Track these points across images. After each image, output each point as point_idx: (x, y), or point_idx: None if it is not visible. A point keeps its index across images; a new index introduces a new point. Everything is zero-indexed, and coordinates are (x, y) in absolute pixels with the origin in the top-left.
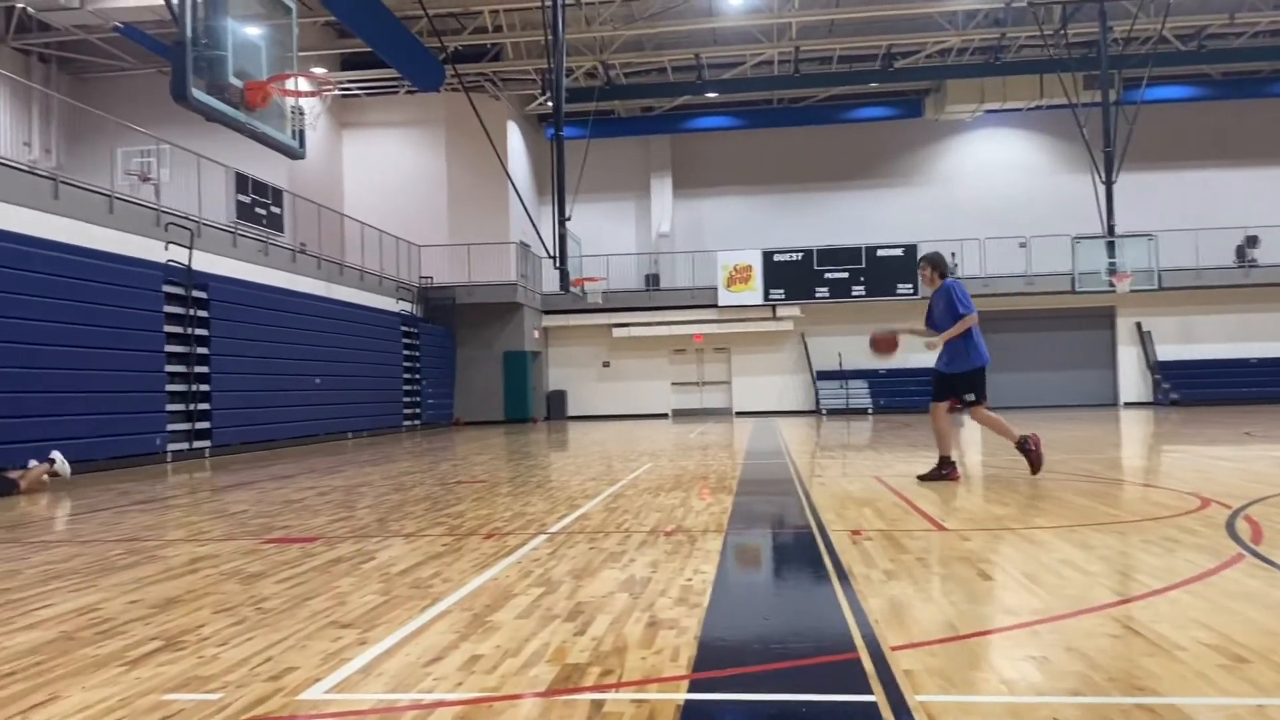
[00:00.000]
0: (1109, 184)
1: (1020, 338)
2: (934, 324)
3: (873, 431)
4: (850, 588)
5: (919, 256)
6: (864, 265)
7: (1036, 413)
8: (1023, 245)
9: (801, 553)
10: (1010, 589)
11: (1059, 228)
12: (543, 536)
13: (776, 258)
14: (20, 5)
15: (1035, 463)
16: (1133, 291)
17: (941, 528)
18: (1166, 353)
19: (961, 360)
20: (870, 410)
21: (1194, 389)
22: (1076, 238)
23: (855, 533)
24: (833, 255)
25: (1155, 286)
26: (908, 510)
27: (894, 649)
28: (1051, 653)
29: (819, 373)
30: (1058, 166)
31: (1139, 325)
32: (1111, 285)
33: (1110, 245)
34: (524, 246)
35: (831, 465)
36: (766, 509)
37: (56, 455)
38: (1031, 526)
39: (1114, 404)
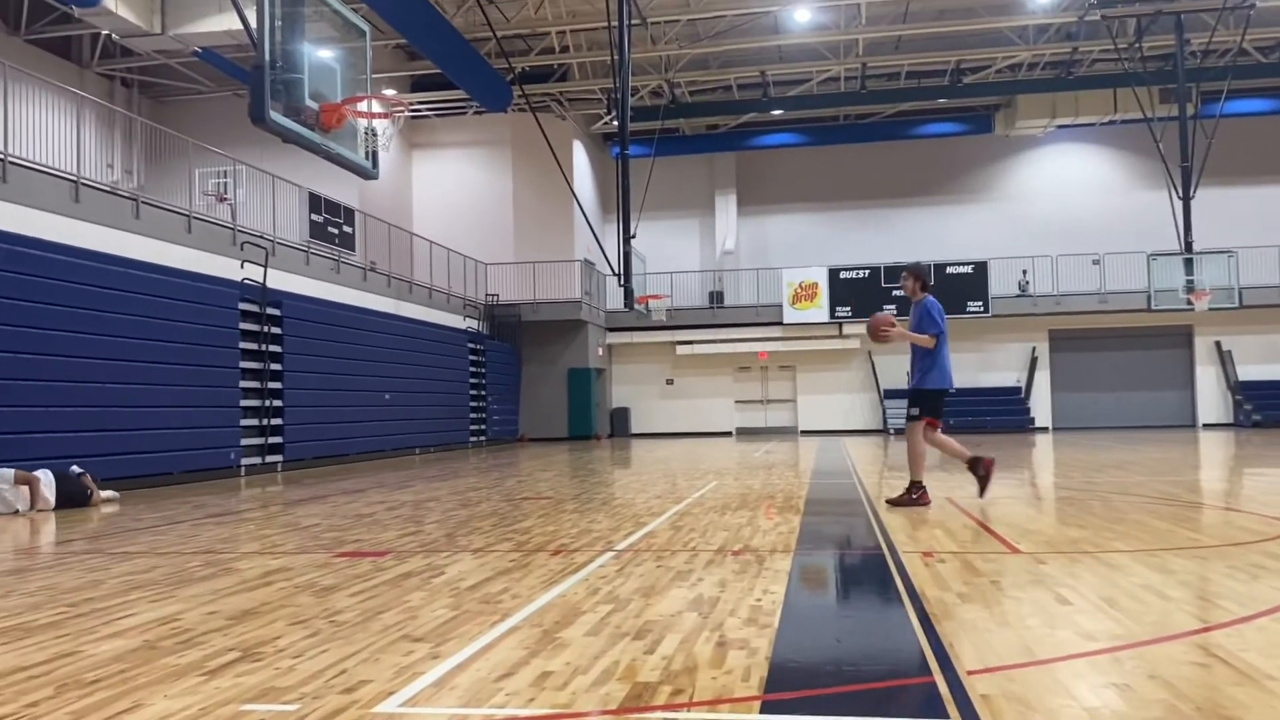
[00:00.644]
0: (1186, 200)
1: (1094, 357)
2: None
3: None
4: (923, 610)
5: (904, 267)
6: (933, 283)
7: (1111, 434)
8: (1096, 262)
9: (872, 574)
10: (1089, 613)
11: (1134, 245)
12: (609, 554)
13: (843, 275)
14: (105, 32)
15: (982, 484)
16: (1211, 310)
17: (1016, 550)
18: (1248, 373)
19: (927, 378)
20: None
21: (1277, 410)
22: (1153, 255)
23: (927, 554)
24: (901, 272)
25: (1235, 304)
26: (980, 532)
27: (970, 673)
28: (1134, 680)
29: (886, 391)
30: (1132, 182)
31: (1218, 344)
32: (1189, 303)
33: (1188, 262)
34: (588, 264)
35: (901, 486)
36: (835, 529)
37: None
38: (1109, 550)
39: (1192, 425)
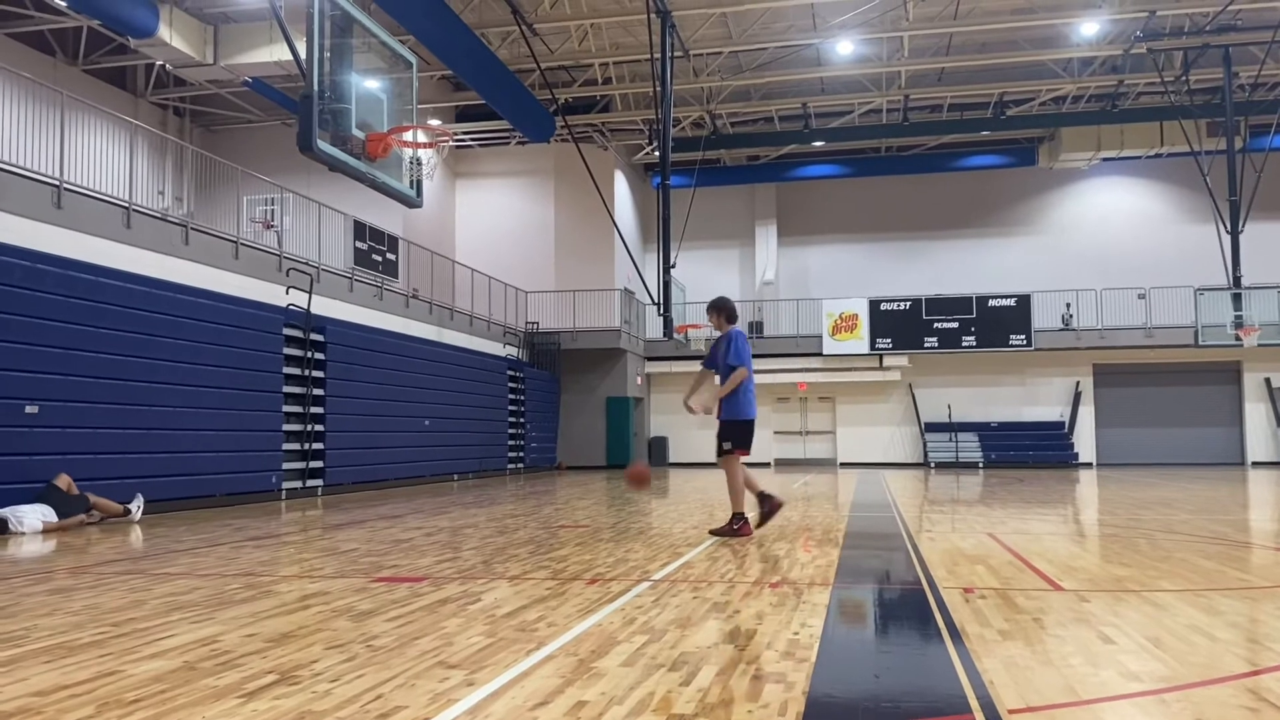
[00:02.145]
0: (1235, 234)
1: (1139, 392)
2: (714, 366)
3: (984, 486)
4: (964, 647)
5: (710, 302)
6: (974, 315)
7: (1156, 471)
8: (1142, 297)
9: (912, 609)
10: (1134, 654)
11: (1180, 279)
12: (646, 584)
13: (884, 306)
14: (159, 62)
15: (762, 520)
16: (1260, 345)
17: (1059, 587)
18: None
19: (731, 409)
20: (981, 464)
21: None
22: (1200, 289)
23: (968, 590)
24: (942, 305)
25: None
26: (1022, 568)
27: (1011, 712)
28: None
29: (927, 424)
30: (1179, 216)
31: (1268, 381)
32: (1237, 339)
33: (1236, 297)
34: (628, 293)
35: (941, 520)
36: (874, 563)
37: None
38: (1155, 589)
39: (1240, 463)
